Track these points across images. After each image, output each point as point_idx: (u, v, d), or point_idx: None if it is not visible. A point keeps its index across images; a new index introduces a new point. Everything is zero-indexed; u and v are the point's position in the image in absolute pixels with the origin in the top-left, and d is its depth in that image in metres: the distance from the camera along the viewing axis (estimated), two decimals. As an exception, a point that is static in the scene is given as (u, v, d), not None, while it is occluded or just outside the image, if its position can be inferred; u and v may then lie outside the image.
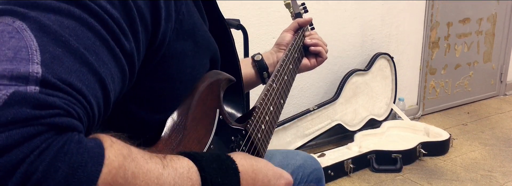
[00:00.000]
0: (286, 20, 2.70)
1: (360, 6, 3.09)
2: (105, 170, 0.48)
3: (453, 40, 3.73)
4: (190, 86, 0.77)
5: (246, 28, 1.97)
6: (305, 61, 1.35)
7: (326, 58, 1.38)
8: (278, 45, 1.34)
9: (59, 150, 0.46)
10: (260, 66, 1.28)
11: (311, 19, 1.39)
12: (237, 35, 1.97)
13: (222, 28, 0.98)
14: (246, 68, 1.27)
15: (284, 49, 1.30)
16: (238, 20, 1.98)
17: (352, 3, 3.04)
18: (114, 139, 0.53)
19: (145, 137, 0.67)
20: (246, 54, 2.01)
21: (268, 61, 1.29)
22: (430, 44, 3.58)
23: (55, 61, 0.50)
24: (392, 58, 3.29)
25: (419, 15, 3.48)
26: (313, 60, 1.36)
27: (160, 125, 0.72)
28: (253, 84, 1.30)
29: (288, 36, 1.34)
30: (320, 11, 2.88)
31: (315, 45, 1.35)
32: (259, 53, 1.30)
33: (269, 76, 1.27)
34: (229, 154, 0.72)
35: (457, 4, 3.62)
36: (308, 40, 1.35)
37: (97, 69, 0.54)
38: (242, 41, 1.99)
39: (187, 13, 0.74)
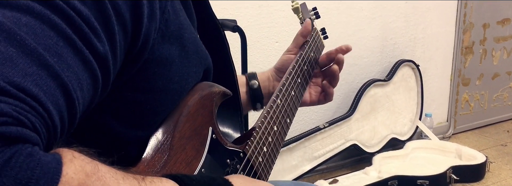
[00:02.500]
0: (291, 21, 2.72)
1: (380, 4, 3.11)
2: None
3: (490, 45, 3.75)
4: (177, 99, 0.78)
5: (244, 30, 1.98)
6: (306, 95, 1.30)
7: (331, 100, 1.32)
8: (277, 70, 1.30)
9: (4, 163, 0.46)
10: (254, 95, 1.26)
11: (310, 23, 1.33)
12: (233, 38, 1.99)
13: (215, 31, 0.98)
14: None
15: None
16: (235, 21, 2.00)
17: (370, 2, 3.06)
18: (76, 154, 0.53)
19: (128, 156, 0.68)
20: (244, 61, 2.02)
21: (265, 90, 1.27)
22: (463, 49, 3.59)
23: (7, 63, 0.51)
24: (417, 66, 3.30)
25: (450, 15, 3.49)
26: (314, 95, 1.31)
27: (143, 143, 0.73)
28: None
29: (291, 59, 1.28)
30: (331, 10, 2.90)
31: (332, 82, 1.29)
32: (255, 79, 1.27)
33: (263, 108, 1.25)
34: (226, 177, 0.73)
35: (495, 3, 3.65)
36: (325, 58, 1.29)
37: (59, 73, 0.54)
38: (240, 46, 2.00)
39: (173, 12, 0.75)
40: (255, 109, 1.27)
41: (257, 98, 1.26)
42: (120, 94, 0.70)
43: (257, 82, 1.26)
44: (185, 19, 0.79)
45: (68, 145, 0.55)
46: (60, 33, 0.56)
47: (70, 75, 0.56)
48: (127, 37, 0.65)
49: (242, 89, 1.26)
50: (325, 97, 1.31)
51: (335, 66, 1.28)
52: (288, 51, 1.32)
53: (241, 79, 1.28)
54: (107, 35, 0.61)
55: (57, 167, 0.49)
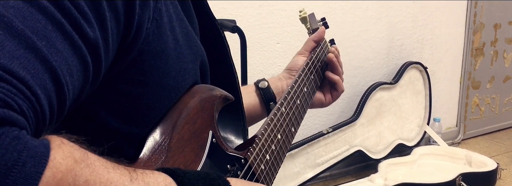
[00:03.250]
0: (293, 21, 2.72)
1: (386, 4, 3.12)
2: (48, 173, 0.49)
3: (502, 46, 3.76)
4: (174, 96, 0.78)
5: (243, 31, 1.99)
6: (319, 95, 1.35)
7: (343, 91, 1.37)
8: (289, 70, 1.34)
9: None
10: (266, 95, 1.28)
11: (325, 31, 1.38)
12: (233, 39, 2.00)
13: (214, 32, 0.99)
14: (249, 97, 1.27)
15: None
16: (234, 21, 2.01)
17: (376, 1, 3.07)
18: (65, 141, 0.54)
19: (124, 156, 0.69)
20: (243, 63, 2.02)
21: (277, 90, 1.29)
22: (473, 51, 3.60)
23: None
24: (425, 68, 3.31)
25: (459, 16, 3.50)
26: (328, 95, 1.36)
27: (137, 141, 0.74)
28: (257, 118, 1.30)
29: (302, 60, 1.33)
30: (335, 10, 2.90)
31: (333, 70, 1.35)
32: (264, 80, 1.30)
33: None
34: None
35: (506, 2, 3.65)
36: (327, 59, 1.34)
37: (47, 57, 0.55)
38: (239, 47, 2.00)
39: (164, 4, 0.76)
40: (269, 110, 1.28)
41: (269, 97, 1.28)
42: (114, 86, 0.71)
43: (266, 83, 1.29)
44: (174, 12, 0.80)
45: (57, 132, 0.56)
46: (49, 17, 0.56)
47: (59, 60, 0.56)
48: (120, 24, 0.66)
49: (253, 94, 1.29)
50: (336, 87, 1.36)
51: (330, 55, 1.34)
52: (299, 53, 1.36)
53: (249, 87, 1.30)
54: (98, 21, 0.62)
55: (45, 151, 0.50)
